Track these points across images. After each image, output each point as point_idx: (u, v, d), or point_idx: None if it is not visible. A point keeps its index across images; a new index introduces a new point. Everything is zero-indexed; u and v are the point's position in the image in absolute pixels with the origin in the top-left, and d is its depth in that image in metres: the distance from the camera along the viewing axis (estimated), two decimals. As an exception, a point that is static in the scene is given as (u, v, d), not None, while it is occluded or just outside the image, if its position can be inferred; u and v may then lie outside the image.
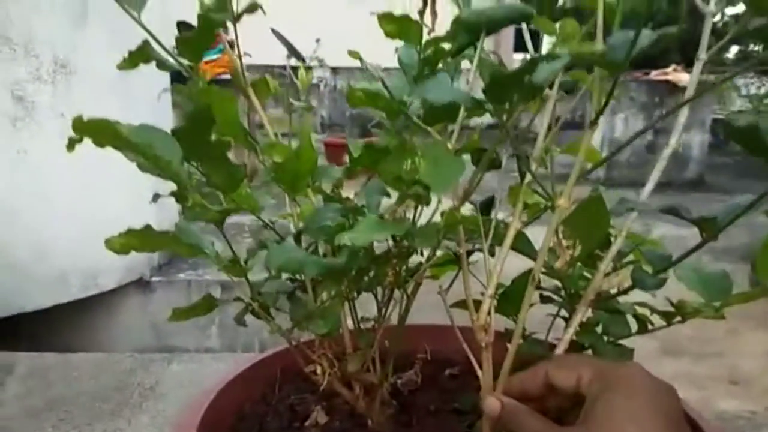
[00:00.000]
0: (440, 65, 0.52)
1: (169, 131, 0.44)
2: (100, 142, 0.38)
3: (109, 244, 0.48)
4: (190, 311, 0.49)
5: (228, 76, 0.58)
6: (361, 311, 0.63)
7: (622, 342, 0.60)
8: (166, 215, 1.95)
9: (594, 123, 0.40)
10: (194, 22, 0.48)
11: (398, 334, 0.60)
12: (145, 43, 0.49)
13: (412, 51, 0.52)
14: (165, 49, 0.48)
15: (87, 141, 0.40)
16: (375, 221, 0.41)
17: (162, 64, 0.49)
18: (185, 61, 0.47)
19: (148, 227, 0.48)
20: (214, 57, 4.26)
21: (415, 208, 0.49)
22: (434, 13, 0.49)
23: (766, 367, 2.04)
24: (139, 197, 1.87)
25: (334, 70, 9.61)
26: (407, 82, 0.46)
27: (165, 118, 2.02)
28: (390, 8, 0.54)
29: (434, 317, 0.73)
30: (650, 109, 5.04)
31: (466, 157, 0.53)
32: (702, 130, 5.29)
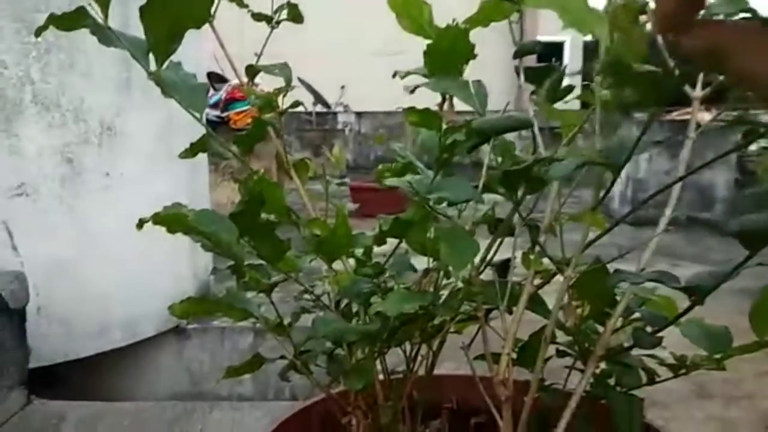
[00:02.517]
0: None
1: (227, 215, 0.52)
2: (172, 230, 0.45)
3: (173, 310, 0.55)
4: (241, 369, 0.56)
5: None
6: (390, 359, 0.69)
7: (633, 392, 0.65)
8: (200, 264, 2.04)
9: (594, 208, 0.46)
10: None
11: (426, 385, 0.66)
12: (205, 135, 0.57)
13: (433, 136, 0.60)
14: (219, 142, 0.56)
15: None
16: (403, 293, 0.48)
17: (217, 154, 0.57)
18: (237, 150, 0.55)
19: (204, 296, 0.55)
20: (246, 108, 4.43)
21: (438, 276, 0.56)
22: (451, 105, 0.56)
23: (799, 411, 2.01)
24: (176, 250, 1.97)
25: (359, 115, 9.82)
26: (423, 171, 0.53)
27: (202, 173, 2.14)
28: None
29: (462, 360, 0.77)
30: (674, 148, 5.05)
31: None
32: (727, 168, 5.27)
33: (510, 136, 0.61)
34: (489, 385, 0.61)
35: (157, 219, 0.44)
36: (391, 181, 0.48)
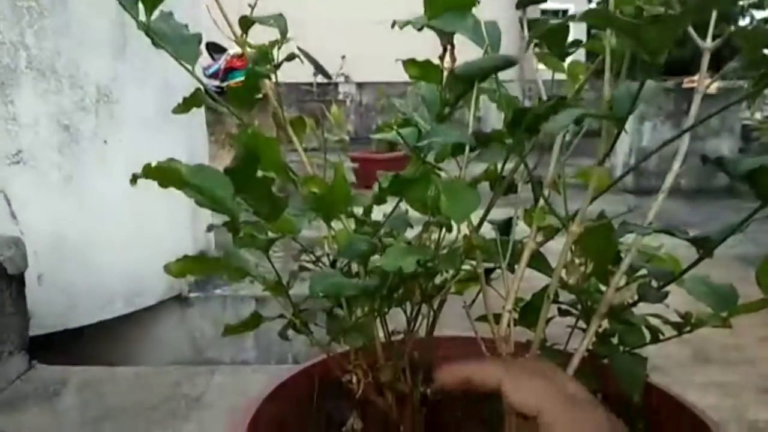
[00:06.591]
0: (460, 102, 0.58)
1: (222, 170, 0.50)
2: (165, 184, 0.44)
3: (168, 269, 0.54)
4: (240, 327, 0.55)
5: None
6: (392, 324, 0.68)
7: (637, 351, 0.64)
8: (200, 231, 2.04)
9: (602, 162, 0.45)
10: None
11: (426, 345, 0.65)
12: (198, 90, 0.55)
13: (433, 90, 0.58)
14: (214, 98, 0.55)
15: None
16: (403, 248, 0.47)
17: (212, 110, 0.56)
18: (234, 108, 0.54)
19: (201, 254, 0.54)
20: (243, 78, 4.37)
21: (439, 232, 0.54)
22: (453, 58, 0.54)
23: (799, 376, 2.02)
24: (176, 218, 1.96)
25: (360, 86, 9.73)
26: (422, 125, 0.52)
27: (201, 140, 2.12)
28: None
29: (463, 326, 0.77)
30: (678, 117, 5.01)
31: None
32: (731, 136, 5.24)
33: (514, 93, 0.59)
34: (491, 345, 0.60)
35: (149, 172, 0.42)
36: (381, 135, 0.46)
